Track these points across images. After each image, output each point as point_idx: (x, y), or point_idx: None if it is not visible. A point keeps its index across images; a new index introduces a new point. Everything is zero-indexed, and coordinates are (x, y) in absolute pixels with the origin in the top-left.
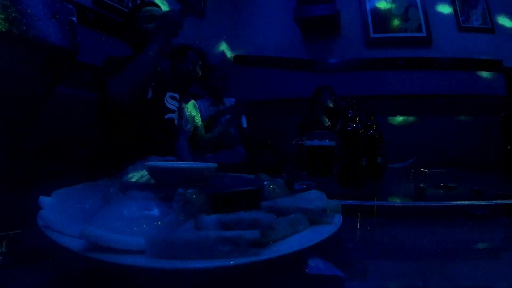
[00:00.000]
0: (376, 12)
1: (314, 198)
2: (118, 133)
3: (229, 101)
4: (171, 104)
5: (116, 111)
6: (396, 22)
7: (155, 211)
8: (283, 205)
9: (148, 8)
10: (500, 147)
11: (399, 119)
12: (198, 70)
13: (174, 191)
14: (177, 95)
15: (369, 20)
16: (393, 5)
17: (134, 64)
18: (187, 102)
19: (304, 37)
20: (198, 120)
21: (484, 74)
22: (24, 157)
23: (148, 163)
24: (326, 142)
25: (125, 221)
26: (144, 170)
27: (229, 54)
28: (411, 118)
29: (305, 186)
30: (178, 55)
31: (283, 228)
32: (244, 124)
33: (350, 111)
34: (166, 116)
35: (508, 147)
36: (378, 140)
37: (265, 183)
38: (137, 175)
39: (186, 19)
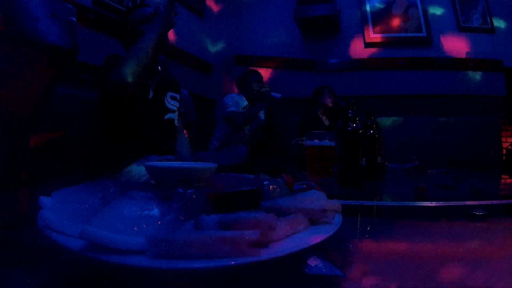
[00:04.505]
0: (376, 12)
1: (314, 198)
2: (118, 133)
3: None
4: (171, 104)
5: (120, 101)
6: (396, 22)
7: (155, 211)
8: (283, 205)
9: (141, 9)
10: (500, 147)
11: (399, 119)
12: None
13: (174, 191)
14: (177, 95)
15: (369, 20)
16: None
17: (133, 50)
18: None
19: (304, 37)
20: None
21: (484, 74)
22: (24, 157)
23: (148, 163)
24: (326, 142)
25: (125, 221)
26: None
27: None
28: (411, 118)
29: (305, 186)
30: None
31: (283, 228)
32: (262, 116)
33: (350, 111)
34: (166, 116)
35: (508, 147)
36: (378, 140)
37: (265, 183)
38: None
39: (185, 16)
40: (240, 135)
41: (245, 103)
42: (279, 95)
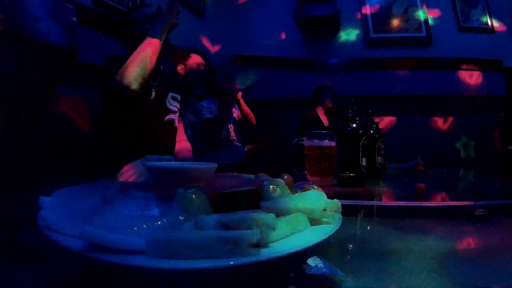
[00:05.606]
0: (376, 12)
1: (314, 198)
2: (119, 133)
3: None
4: (172, 105)
5: (121, 102)
6: (396, 22)
7: (155, 211)
8: (283, 205)
9: (141, 9)
10: (500, 147)
11: (399, 119)
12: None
13: (174, 191)
14: (178, 96)
15: (369, 20)
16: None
17: (137, 51)
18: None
19: (304, 37)
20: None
21: (484, 74)
22: (25, 157)
23: (148, 163)
24: (326, 142)
25: (125, 221)
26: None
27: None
28: (410, 118)
29: (305, 186)
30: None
31: (283, 228)
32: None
33: (350, 111)
34: (166, 117)
35: (508, 147)
36: (378, 140)
37: (265, 183)
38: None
39: (185, 16)
40: (226, 136)
41: (216, 105)
42: (242, 87)
